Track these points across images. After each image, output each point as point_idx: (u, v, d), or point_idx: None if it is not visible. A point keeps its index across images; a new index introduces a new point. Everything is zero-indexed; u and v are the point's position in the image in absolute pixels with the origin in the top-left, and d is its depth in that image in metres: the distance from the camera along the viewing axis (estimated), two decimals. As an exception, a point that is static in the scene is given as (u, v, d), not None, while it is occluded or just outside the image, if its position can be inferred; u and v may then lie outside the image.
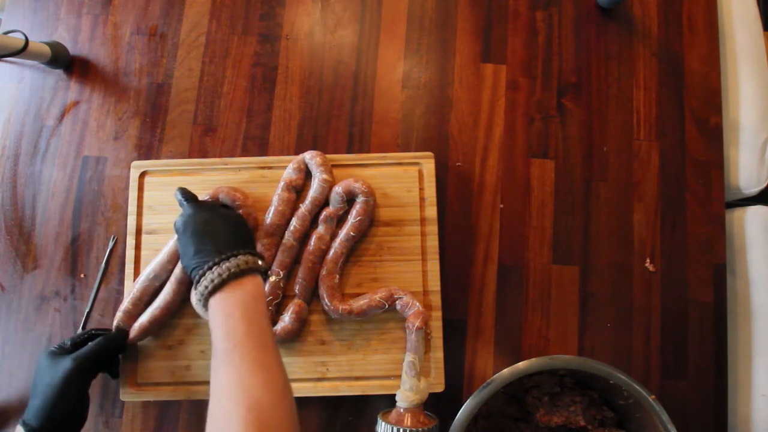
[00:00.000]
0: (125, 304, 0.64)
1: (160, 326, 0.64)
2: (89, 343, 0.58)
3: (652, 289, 0.72)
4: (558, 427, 0.63)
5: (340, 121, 0.75)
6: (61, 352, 0.56)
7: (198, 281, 0.51)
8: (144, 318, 0.63)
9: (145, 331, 0.63)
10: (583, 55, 0.77)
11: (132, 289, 0.64)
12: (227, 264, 0.51)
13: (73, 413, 0.55)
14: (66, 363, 0.54)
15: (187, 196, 0.61)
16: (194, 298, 0.52)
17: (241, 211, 0.65)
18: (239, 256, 0.52)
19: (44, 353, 0.56)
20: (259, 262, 0.54)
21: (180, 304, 0.64)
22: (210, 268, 0.51)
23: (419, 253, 0.68)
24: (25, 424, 0.51)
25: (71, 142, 0.74)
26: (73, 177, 0.73)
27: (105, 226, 0.72)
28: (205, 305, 0.51)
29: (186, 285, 0.63)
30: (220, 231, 0.56)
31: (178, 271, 0.63)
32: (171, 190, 0.68)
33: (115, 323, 0.63)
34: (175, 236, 0.60)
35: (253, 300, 0.50)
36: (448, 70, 0.76)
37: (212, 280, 0.50)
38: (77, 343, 0.59)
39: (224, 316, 0.49)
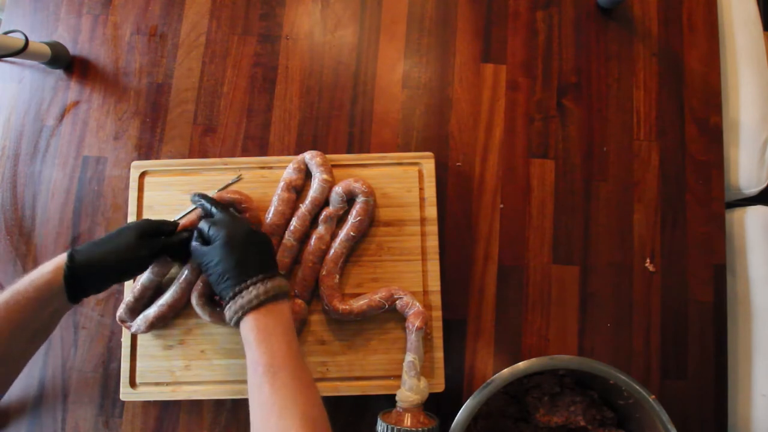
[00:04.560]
0: (128, 297, 0.64)
1: (164, 323, 0.65)
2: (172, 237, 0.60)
3: (652, 289, 0.72)
4: (558, 427, 0.63)
5: (340, 121, 0.75)
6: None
7: (237, 293, 0.51)
8: (151, 311, 0.63)
9: (150, 325, 0.63)
10: (583, 55, 0.77)
11: (136, 284, 0.64)
12: (272, 283, 0.52)
13: (118, 268, 0.55)
14: (132, 228, 0.56)
15: (216, 202, 0.61)
16: (230, 310, 0.52)
17: (247, 215, 0.65)
18: (279, 278, 0.54)
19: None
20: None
21: (186, 304, 0.64)
22: (254, 284, 0.52)
23: (419, 253, 0.68)
24: (71, 254, 0.52)
25: (71, 142, 0.74)
26: (73, 177, 0.74)
27: (105, 226, 0.72)
28: (239, 318, 0.51)
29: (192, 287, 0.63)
30: (264, 248, 0.57)
31: (187, 272, 0.63)
32: (171, 190, 0.69)
33: (118, 314, 0.64)
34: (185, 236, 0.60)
35: (289, 322, 0.52)
36: (448, 70, 0.76)
37: (258, 296, 0.51)
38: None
39: (266, 333, 0.50)
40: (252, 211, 0.66)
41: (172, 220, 0.63)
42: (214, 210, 0.59)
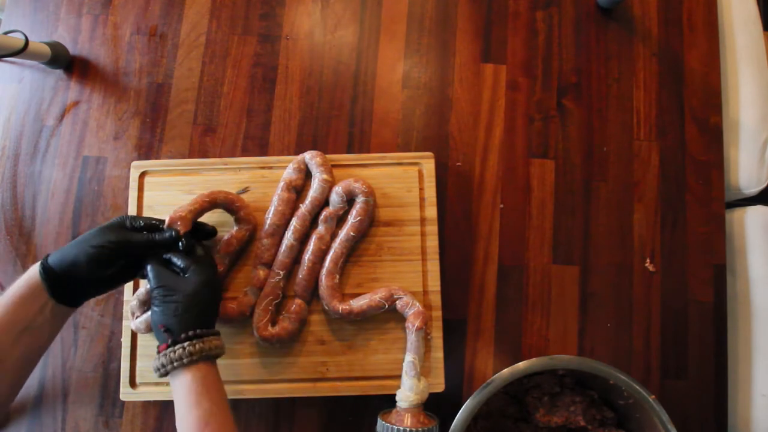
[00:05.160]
0: (141, 289, 0.64)
1: None
2: (145, 234, 0.56)
3: (652, 289, 0.72)
4: (558, 427, 0.63)
5: (340, 121, 0.75)
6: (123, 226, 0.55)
7: (177, 342, 0.50)
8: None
9: (149, 328, 0.62)
10: (583, 55, 0.77)
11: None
12: (217, 342, 0.52)
13: (91, 278, 0.53)
14: (110, 234, 0.53)
15: (198, 249, 0.58)
16: (163, 357, 0.50)
17: (242, 213, 0.65)
18: (217, 337, 0.53)
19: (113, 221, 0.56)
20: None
21: None
22: (202, 337, 0.51)
23: (419, 253, 0.68)
24: (43, 262, 0.51)
25: (71, 142, 0.74)
26: (73, 177, 0.74)
27: (105, 226, 0.72)
28: (174, 368, 0.50)
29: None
30: (218, 304, 0.58)
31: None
32: (171, 190, 0.69)
33: (130, 304, 0.63)
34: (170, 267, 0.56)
35: (221, 381, 0.52)
36: (448, 70, 0.76)
37: (196, 352, 0.50)
38: (145, 226, 0.57)
39: (205, 388, 0.50)
40: (246, 209, 0.66)
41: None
42: (202, 258, 0.57)
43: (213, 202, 0.64)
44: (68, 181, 0.73)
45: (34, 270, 0.51)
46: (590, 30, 0.77)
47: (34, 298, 0.50)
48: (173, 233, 0.56)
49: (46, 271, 0.51)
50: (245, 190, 0.68)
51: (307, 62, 0.76)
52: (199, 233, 0.62)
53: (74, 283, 0.52)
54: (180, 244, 0.56)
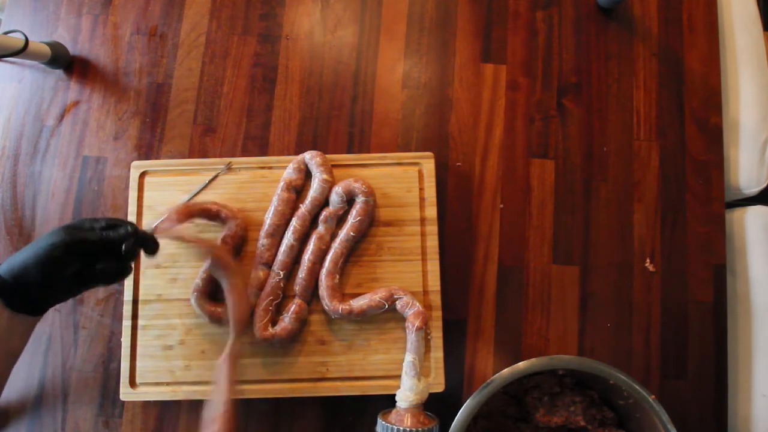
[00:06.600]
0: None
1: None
2: (99, 232, 0.51)
3: (652, 289, 0.72)
4: (558, 427, 0.63)
5: (340, 121, 0.75)
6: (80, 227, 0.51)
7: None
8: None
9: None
10: (583, 55, 0.77)
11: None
12: None
13: (46, 284, 0.49)
14: (60, 233, 0.49)
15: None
16: None
17: (222, 213, 0.65)
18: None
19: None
20: None
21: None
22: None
23: (419, 253, 0.68)
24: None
25: (71, 142, 0.74)
26: (73, 177, 0.74)
27: (105, 226, 0.72)
28: None
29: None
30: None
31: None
32: (171, 190, 0.69)
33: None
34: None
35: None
36: (448, 70, 0.76)
37: None
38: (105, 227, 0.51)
39: None
40: (224, 209, 0.65)
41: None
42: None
43: (190, 215, 0.62)
44: (68, 181, 0.73)
45: None
46: (590, 30, 0.77)
47: None
48: (128, 228, 0.51)
49: None
50: (228, 167, 0.68)
51: (307, 62, 0.76)
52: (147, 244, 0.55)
53: (28, 290, 0.48)
54: (125, 243, 0.51)
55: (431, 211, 0.69)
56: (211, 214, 0.65)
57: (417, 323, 0.62)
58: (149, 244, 0.54)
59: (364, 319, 0.65)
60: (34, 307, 0.50)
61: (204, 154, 0.74)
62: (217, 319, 0.64)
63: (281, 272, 0.65)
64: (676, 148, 0.75)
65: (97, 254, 0.50)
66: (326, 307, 0.65)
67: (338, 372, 0.66)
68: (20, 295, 0.48)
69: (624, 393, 0.59)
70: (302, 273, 0.65)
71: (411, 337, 0.63)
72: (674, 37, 0.78)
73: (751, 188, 0.77)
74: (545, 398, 0.64)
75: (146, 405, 0.69)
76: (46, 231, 0.70)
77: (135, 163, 0.70)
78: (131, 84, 0.76)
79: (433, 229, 0.68)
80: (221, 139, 0.74)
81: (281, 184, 0.67)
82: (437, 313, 0.66)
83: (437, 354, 0.66)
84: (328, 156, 0.69)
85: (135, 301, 0.66)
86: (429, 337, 0.66)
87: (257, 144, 0.74)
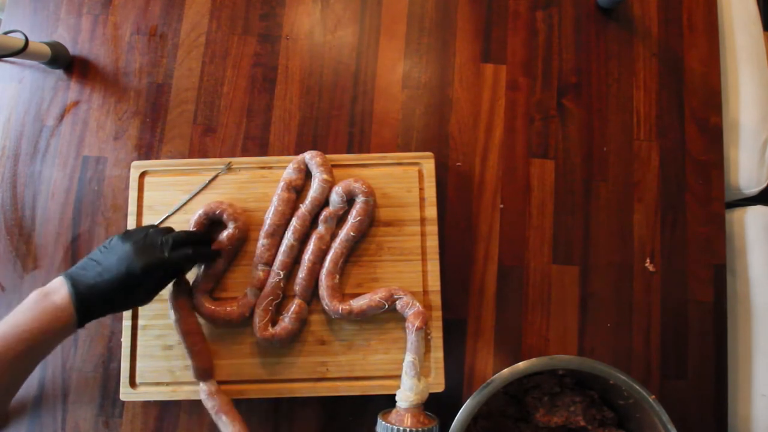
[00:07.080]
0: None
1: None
2: (189, 251, 0.58)
3: (652, 289, 0.72)
4: (558, 427, 0.63)
5: (340, 121, 0.75)
6: (159, 241, 0.56)
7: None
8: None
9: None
10: (583, 55, 0.77)
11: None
12: None
13: (118, 306, 0.55)
14: (134, 259, 0.53)
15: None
16: None
17: (226, 214, 0.65)
18: None
19: (140, 232, 0.57)
20: None
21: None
22: None
23: (419, 253, 0.68)
24: (75, 285, 0.51)
25: (71, 142, 0.74)
26: (73, 177, 0.74)
27: (105, 226, 0.72)
28: None
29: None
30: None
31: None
32: (171, 190, 0.69)
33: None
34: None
35: None
36: (448, 70, 0.76)
37: None
38: (178, 241, 0.57)
39: None
40: (228, 210, 0.65)
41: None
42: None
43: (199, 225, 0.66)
44: (68, 181, 0.73)
45: (64, 300, 0.50)
46: (590, 30, 0.77)
47: (61, 328, 0.50)
48: (189, 251, 0.58)
49: (81, 302, 0.50)
50: (228, 167, 0.68)
51: (307, 62, 0.76)
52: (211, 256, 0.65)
53: (101, 312, 0.53)
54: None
55: (431, 211, 0.69)
56: (214, 213, 0.65)
57: (417, 323, 0.62)
58: (213, 255, 0.64)
59: (364, 319, 0.65)
60: (88, 321, 0.53)
61: (204, 154, 0.74)
62: (217, 319, 0.64)
63: (281, 272, 0.65)
64: (676, 148, 0.75)
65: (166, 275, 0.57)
66: (326, 307, 0.65)
67: (338, 372, 0.66)
68: (92, 316, 0.52)
69: (624, 393, 0.59)
70: (302, 273, 0.65)
71: (411, 337, 0.63)
72: (674, 37, 0.78)
73: (751, 188, 0.77)
74: (545, 398, 0.64)
75: (146, 405, 0.69)
76: (46, 231, 0.72)
77: (135, 163, 0.70)
78: (131, 84, 0.76)
79: (433, 229, 0.68)
80: (221, 139, 0.74)
81: (281, 184, 0.67)
82: (437, 313, 0.66)
83: (437, 354, 0.66)
84: (328, 156, 0.69)
85: (135, 301, 0.66)
86: (429, 337, 0.66)
87: (257, 144, 0.74)
